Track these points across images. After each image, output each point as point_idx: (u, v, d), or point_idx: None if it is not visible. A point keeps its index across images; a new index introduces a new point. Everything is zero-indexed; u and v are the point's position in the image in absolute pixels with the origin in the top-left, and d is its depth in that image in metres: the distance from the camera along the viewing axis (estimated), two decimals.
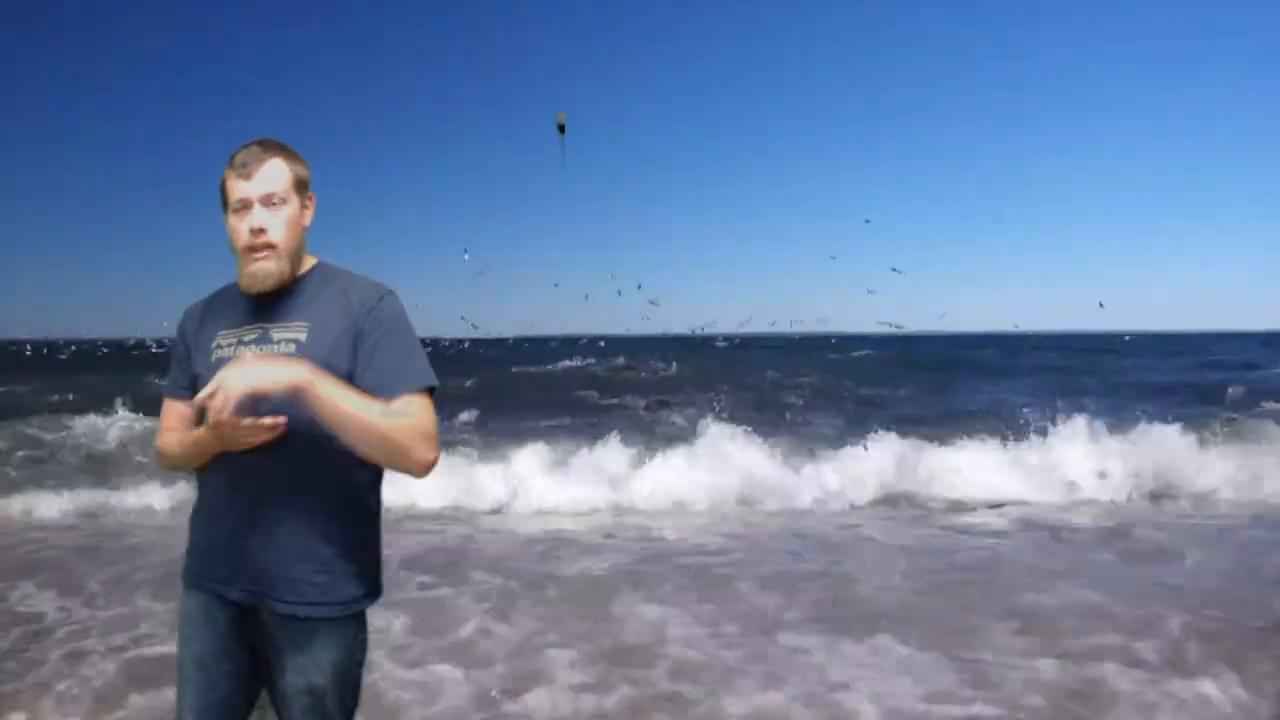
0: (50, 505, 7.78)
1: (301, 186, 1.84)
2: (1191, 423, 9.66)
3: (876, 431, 9.23)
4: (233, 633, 1.83)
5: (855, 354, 38.16)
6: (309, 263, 1.88)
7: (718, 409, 10.17)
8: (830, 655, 4.13)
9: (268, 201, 1.78)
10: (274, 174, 1.79)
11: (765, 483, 8.20)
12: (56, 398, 16.15)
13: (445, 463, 7.46)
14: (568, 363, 29.56)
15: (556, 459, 8.74)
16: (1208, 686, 3.70)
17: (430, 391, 1.77)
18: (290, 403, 1.66)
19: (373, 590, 1.86)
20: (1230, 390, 17.23)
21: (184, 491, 7.60)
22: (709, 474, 8.29)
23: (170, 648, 2.04)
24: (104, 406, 12.22)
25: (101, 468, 9.43)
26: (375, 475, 1.85)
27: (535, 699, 3.68)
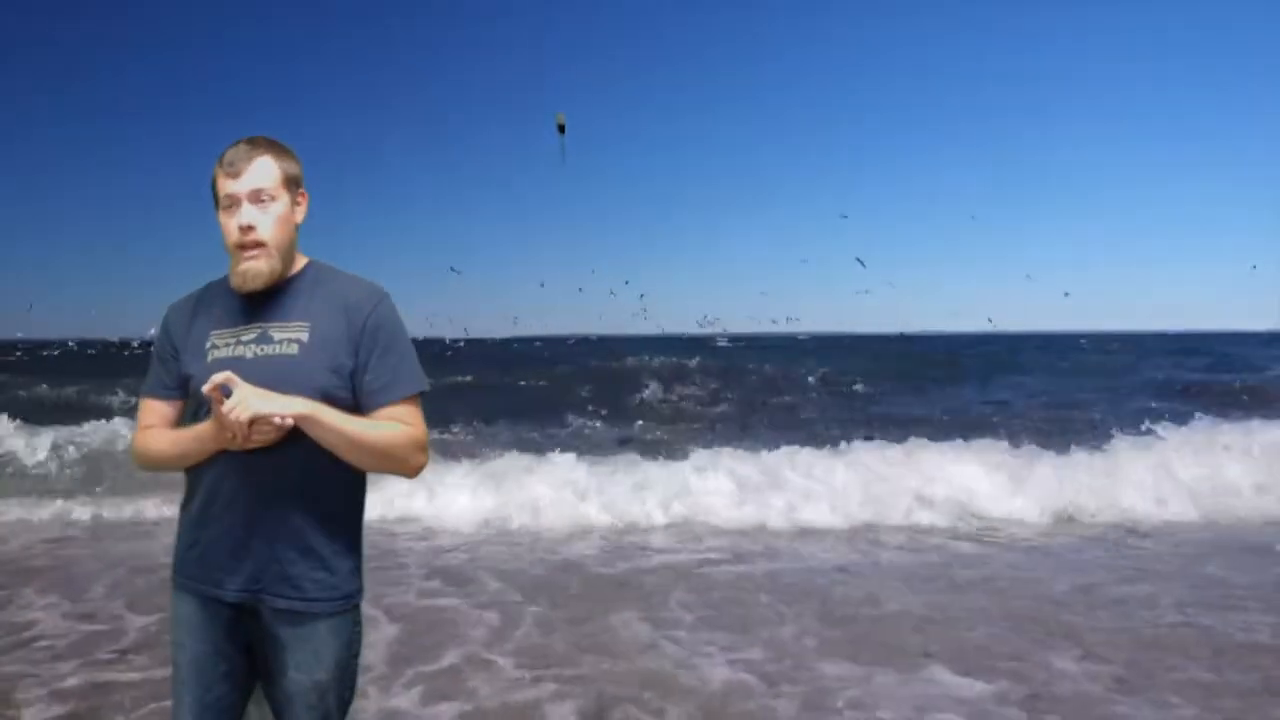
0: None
1: (292, 183, 1.83)
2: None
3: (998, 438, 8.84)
4: (229, 634, 1.83)
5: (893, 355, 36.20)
6: (301, 261, 1.88)
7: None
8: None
9: (256, 198, 1.78)
10: (262, 171, 1.78)
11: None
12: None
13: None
14: (632, 360, 26.66)
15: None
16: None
17: (421, 395, 1.84)
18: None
19: (362, 585, 1.90)
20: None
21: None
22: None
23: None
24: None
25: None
26: (364, 473, 1.87)
27: None
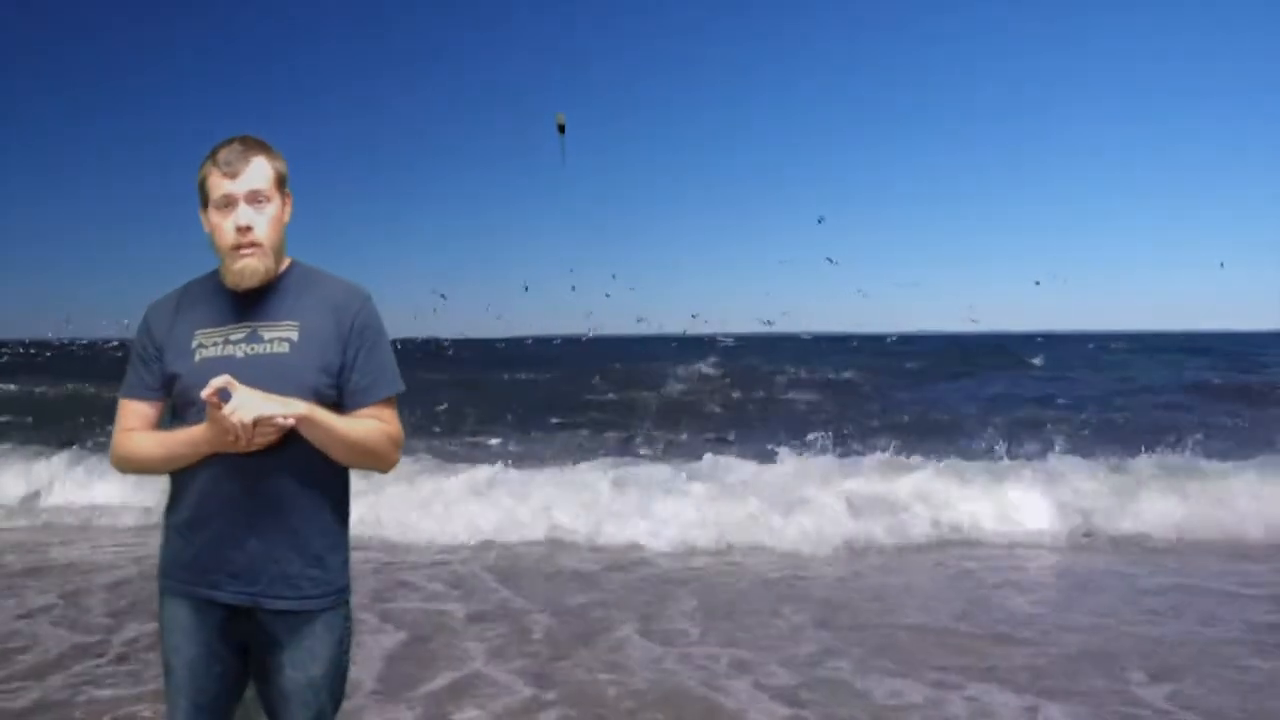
0: None
1: (282, 183, 1.85)
2: None
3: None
4: (221, 635, 1.84)
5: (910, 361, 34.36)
6: (285, 261, 1.90)
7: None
8: None
9: (253, 199, 1.79)
10: (259, 172, 1.80)
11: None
12: None
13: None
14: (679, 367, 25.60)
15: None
16: None
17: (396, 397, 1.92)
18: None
19: (350, 579, 1.92)
20: None
21: None
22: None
23: None
24: None
25: None
26: (349, 469, 1.92)
27: None
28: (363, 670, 4.04)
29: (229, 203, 1.78)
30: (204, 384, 1.68)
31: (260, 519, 1.78)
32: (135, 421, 1.86)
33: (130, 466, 1.87)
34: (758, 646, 4.46)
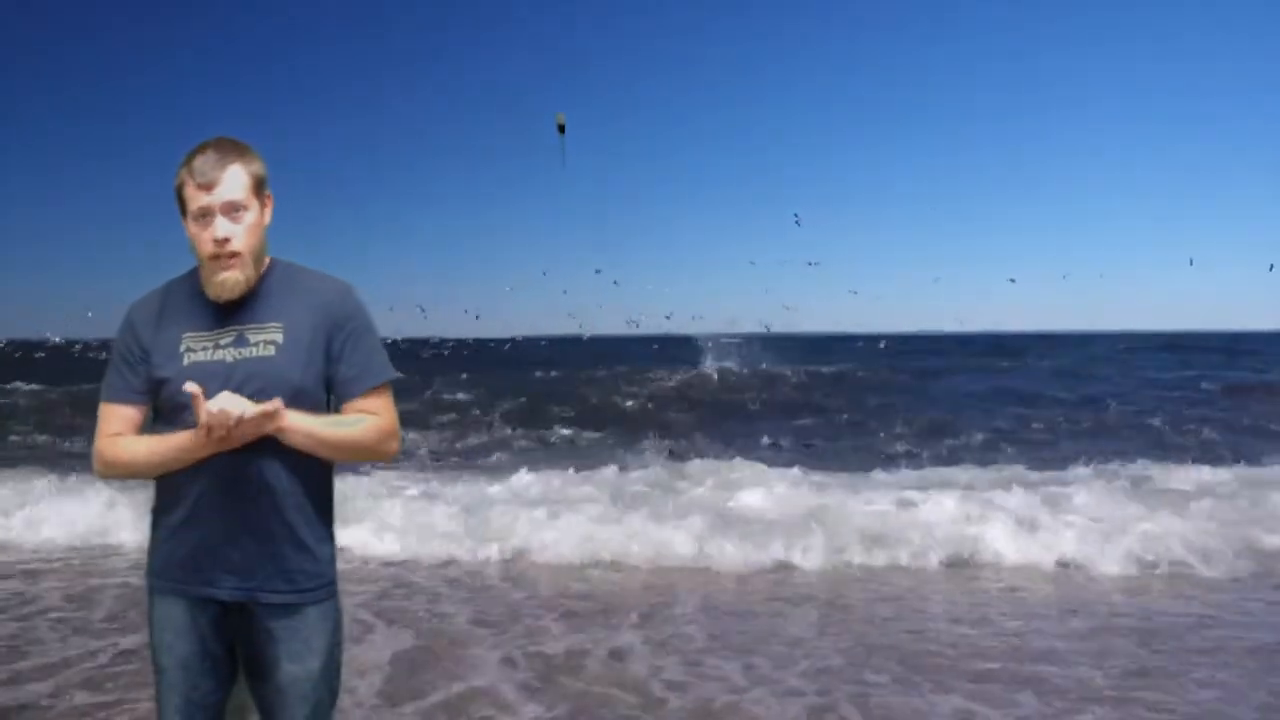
0: None
1: (260, 187, 1.84)
2: None
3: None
4: (214, 632, 1.86)
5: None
6: (266, 261, 1.89)
7: None
8: None
9: (230, 210, 1.78)
10: (234, 182, 1.78)
11: None
12: None
13: None
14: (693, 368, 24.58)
15: None
16: None
17: (391, 384, 1.92)
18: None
19: (336, 571, 1.96)
20: None
21: None
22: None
23: None
24: None
25: None
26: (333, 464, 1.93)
27: None
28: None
29: (206, 214, 1.77)
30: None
31: (254, 515, 1.80)
32: (120, 426, 1.85)
33: (117, 472, 1.86)
34: None
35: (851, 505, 6.98)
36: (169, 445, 1.79)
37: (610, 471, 8.73)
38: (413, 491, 7.80)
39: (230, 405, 1.69)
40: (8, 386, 19.53)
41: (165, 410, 1.83)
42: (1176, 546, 6.02)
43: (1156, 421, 14.20)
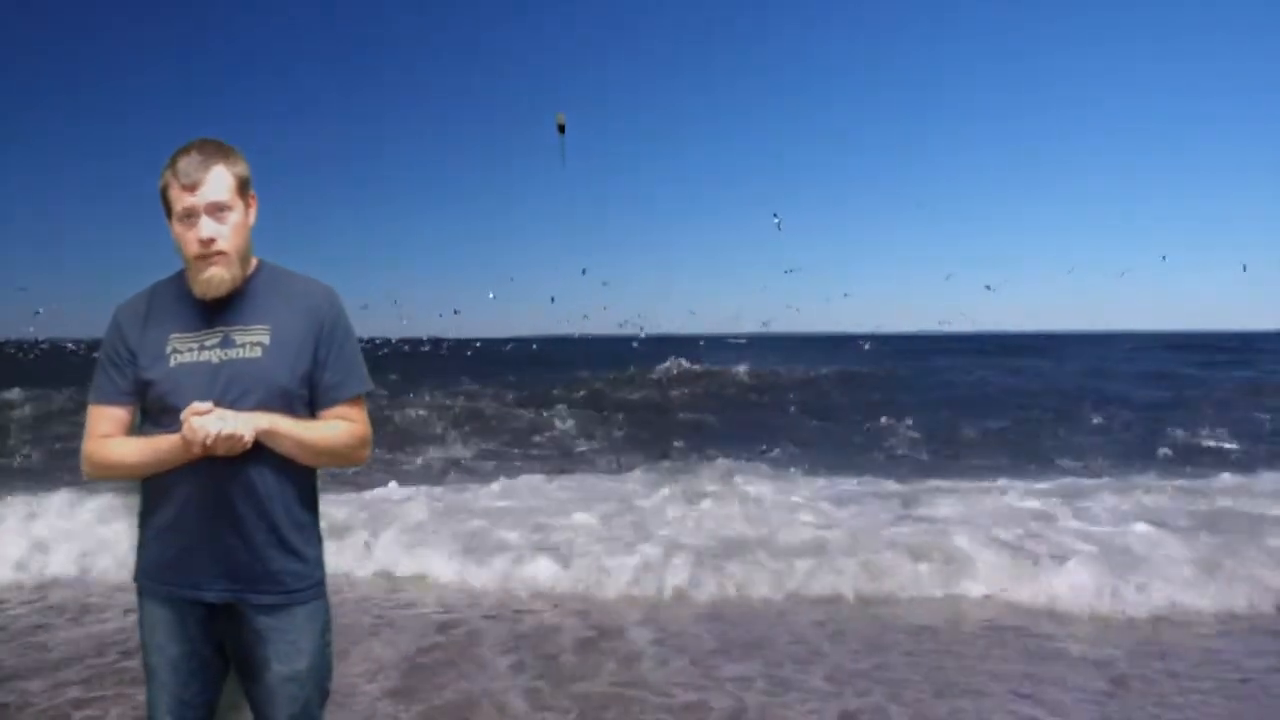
0: None
1: (244, 188, 1.85)
2: None
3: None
4: (204, 634, 1.88)
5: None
6: (253, 262, 1.90)
7: None
8: None
9: (214, 210, 1.79)
10: (218, 183, 1.79)
11: None
12: None
13: None
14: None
15: None
16: None
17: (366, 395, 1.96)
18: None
19: (325, 571, 1.97)
20: None
21: None
22: None
23: None
24: None
25: None
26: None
27: None
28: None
29: (191, 215, 1.78)
30: (179, 389, 1.76)
31: (241, 518, 1.81)
32: (109, 427, 1.86)
33: (106, 473, 1.87)
34: None
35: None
36: (156, 448, 1.80)
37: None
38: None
39: (208, 424, 1.70)
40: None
41: (153, 411, 1.84)
42: None
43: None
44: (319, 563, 1.93)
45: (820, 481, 8.54)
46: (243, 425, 1.73)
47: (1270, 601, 5.01)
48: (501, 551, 5.87)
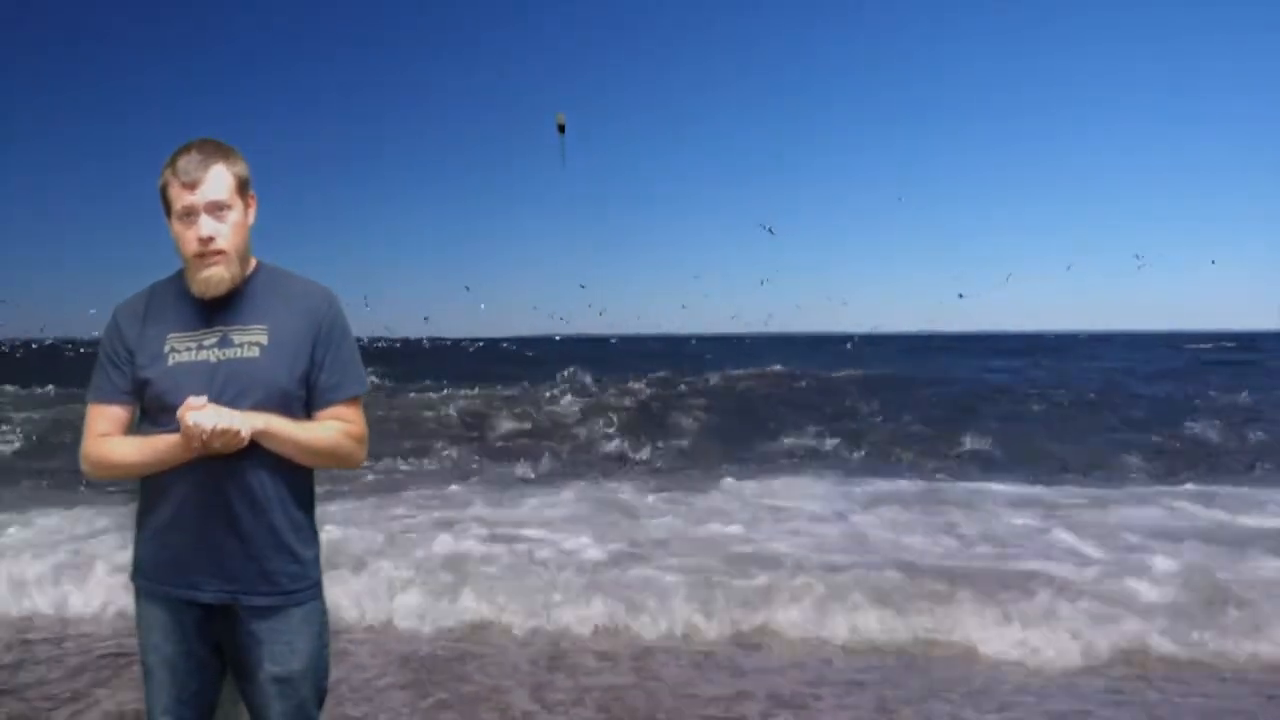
0: None
1: (243, 188, 1.85)
2: None
3: None
4: (199, 633, 1.88)
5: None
6: (252, 263, 1.91)
7: None
8: None
9: (214, 209, 1.80)
10: (218, 182, 1.80)
11: None
12: None
13: None
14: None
15: None
16: None
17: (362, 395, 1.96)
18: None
19: (321, 572, 1.97)
20: None
21: None
22: None
23: None
24: None
25: None
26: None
27: None
28: None
29: (190, 213, 1.79)
30: (177, 388, 1.75)
31: (238, 518, 1.81)
32: (108, 426, 1.86)
33: (106, 473, 1.87)
34: None
35: None
36: (155, 447, 1.80)
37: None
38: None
39: (204, 418, 1.70)
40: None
41: (152, 410, 1.84)
42: None
43: None
44: (315, 563, 1.93)
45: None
46: (239, 421, 1.73)
47: None
48: None
